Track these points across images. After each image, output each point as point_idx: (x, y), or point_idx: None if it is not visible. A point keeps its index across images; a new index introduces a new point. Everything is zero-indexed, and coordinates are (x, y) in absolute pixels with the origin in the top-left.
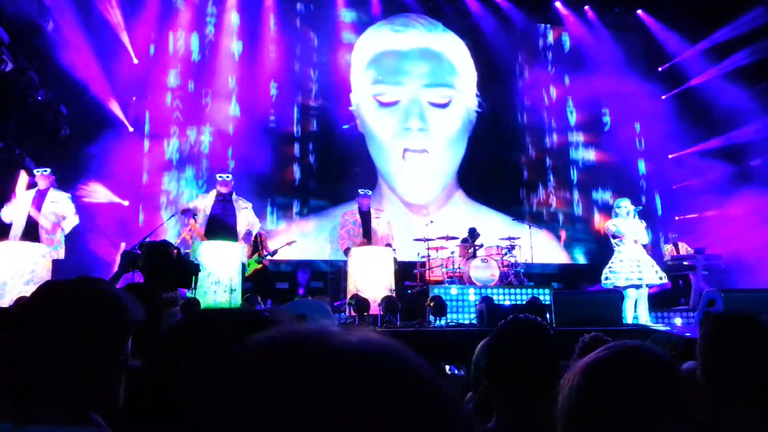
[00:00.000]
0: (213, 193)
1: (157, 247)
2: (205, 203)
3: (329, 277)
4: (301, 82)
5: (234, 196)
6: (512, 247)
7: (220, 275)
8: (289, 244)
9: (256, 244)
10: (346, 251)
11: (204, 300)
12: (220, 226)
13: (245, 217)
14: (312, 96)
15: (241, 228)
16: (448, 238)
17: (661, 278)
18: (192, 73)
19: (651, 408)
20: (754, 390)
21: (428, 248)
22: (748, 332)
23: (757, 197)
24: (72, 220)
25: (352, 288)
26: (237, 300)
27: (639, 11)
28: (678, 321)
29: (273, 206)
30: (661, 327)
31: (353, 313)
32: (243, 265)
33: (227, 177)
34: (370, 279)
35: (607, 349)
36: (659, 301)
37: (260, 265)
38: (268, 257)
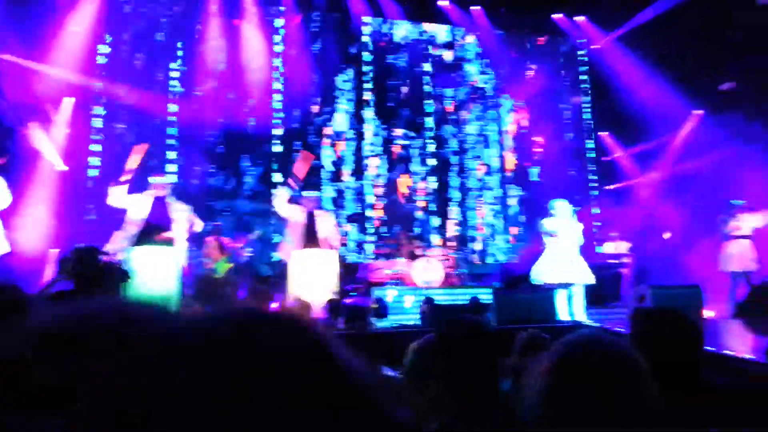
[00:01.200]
0: (148, 197)
1: (83, 252)
2: (139, 207)
3: (272, 280)
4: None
5: (169, 198)
6: (456, 248)
7: (153, 282)
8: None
9: (221, 246)
10: (287, 252)
11: None
12: (154, 229)
13: (182, 219)
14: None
15: (177, 231)
16: (393, 238)
17: (589, 278)
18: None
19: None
20: (682, 383)
21: (373, 250)
22: (674, 327)
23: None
24: None
25: (293, 291)
26: (174, 306)
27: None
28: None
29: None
30: (594, 324)
31: None
32: (184, 269)
33: (163, 179)
34: (313, 282)
35: (568, 346)
36: (595, 297)
37: (232, 264)
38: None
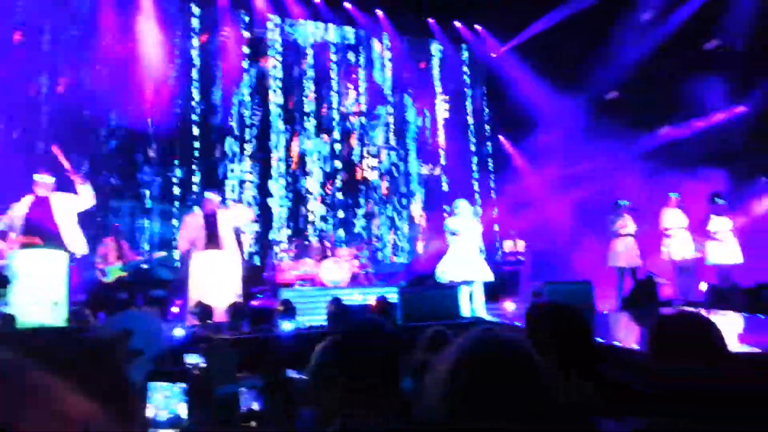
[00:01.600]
0: (29, 197)
1: None
2: (19, 210)
3: (172, 285)
4: None
5: (54, 195)
6: (363, 248)
7: (39, 287)
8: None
9: (119, 250)
10: (187, 254)
11: (24, 315)
12: (38, 231)
13: (69, 212)
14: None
15: (64, 230)
16: (300, 240)
17: (487, 275)
18: None
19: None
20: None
21: (280, 250)
22: (567, 319)
23: (576, 198)
24: None
25: (194, 295)
26: (62, 314)
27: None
28: (509, 306)
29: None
30: (494, 319)
31: (196, 322)
32: (74, 273)
33: (46, 178)
34: (215, 285)
35: (466, 342)
36: (494, 293)
37: (125, 273)
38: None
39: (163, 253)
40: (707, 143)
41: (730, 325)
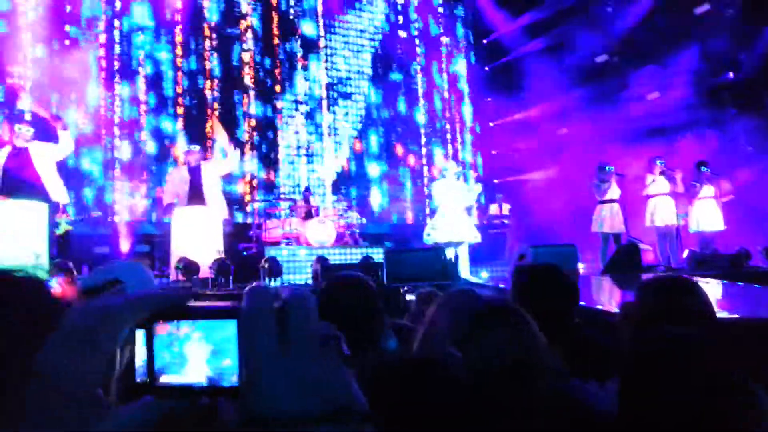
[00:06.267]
0: (7, 148)
1: None
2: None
3: (156, 240)
4: None
5: (33, 145)
6: (349, 208)
7: (20, 239)
8: None
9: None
10: (168, 208)
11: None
12: (16, 182)
13: (49, 161)
14: None
15: (46, 180)
16: (284, 198)
17: (475, 237)
18: None
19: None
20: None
21: (265, 209)
22: (551, 279)
23: (562, 165)
24: None
25: (176, 251)
26: (44, 266)
27: None
28: (484, 274)
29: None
30: (479, 280)
31: (181, 277)
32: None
33: (24, 128)
34: (198, 241)
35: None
36: (480, 255)
37: (71, 227)
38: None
39: (67, 227)
40: (693, 110)
41: (710, 291)
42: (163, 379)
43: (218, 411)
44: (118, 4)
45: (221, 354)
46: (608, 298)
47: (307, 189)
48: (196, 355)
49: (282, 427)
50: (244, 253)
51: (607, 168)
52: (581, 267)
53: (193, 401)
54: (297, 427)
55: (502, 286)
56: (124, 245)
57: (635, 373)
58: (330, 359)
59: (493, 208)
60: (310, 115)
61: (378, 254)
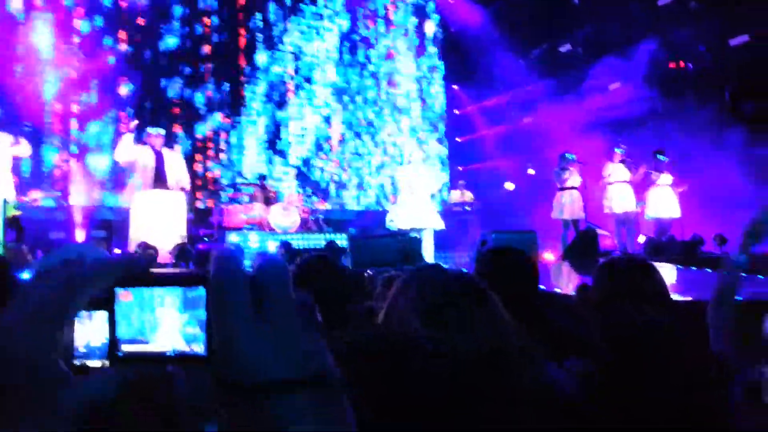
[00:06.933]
0: None
1: None
2: None
3: (114, 224)
4: None
5: None
6: (313, 194)
7: None
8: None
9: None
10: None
11: None
12: None
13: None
14: None
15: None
16: (244, 184)
17: (438, 223)
18: None
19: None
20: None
21: (228, 195)
22: (513, 263)
23: (522, 153)
24: None
25: (136, 235)
26: None
27: None
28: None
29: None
30: (444, 265)
31: None
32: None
33: None
34: (159, 225)
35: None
36: (443, 241)
37: (20, 212)
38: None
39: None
40: (653, 101)
41: (666, 275)
42: (126, 347)
43: (174, 378)
44: None
45: (188, 321)
46: (566, 282)
47: (262, 176)
48: (161, 322)
49: (257, 393)
50: (205, 240)
51: (568, 156)
52: (550, 255)
53: (156, 369)
54: (272, 392)
55: (464, 270)
56: (80, 232)
57: (613, 359)
58: (306, 326)
59: (455, 195)
60: (275, 101)
61: (342, 240)
